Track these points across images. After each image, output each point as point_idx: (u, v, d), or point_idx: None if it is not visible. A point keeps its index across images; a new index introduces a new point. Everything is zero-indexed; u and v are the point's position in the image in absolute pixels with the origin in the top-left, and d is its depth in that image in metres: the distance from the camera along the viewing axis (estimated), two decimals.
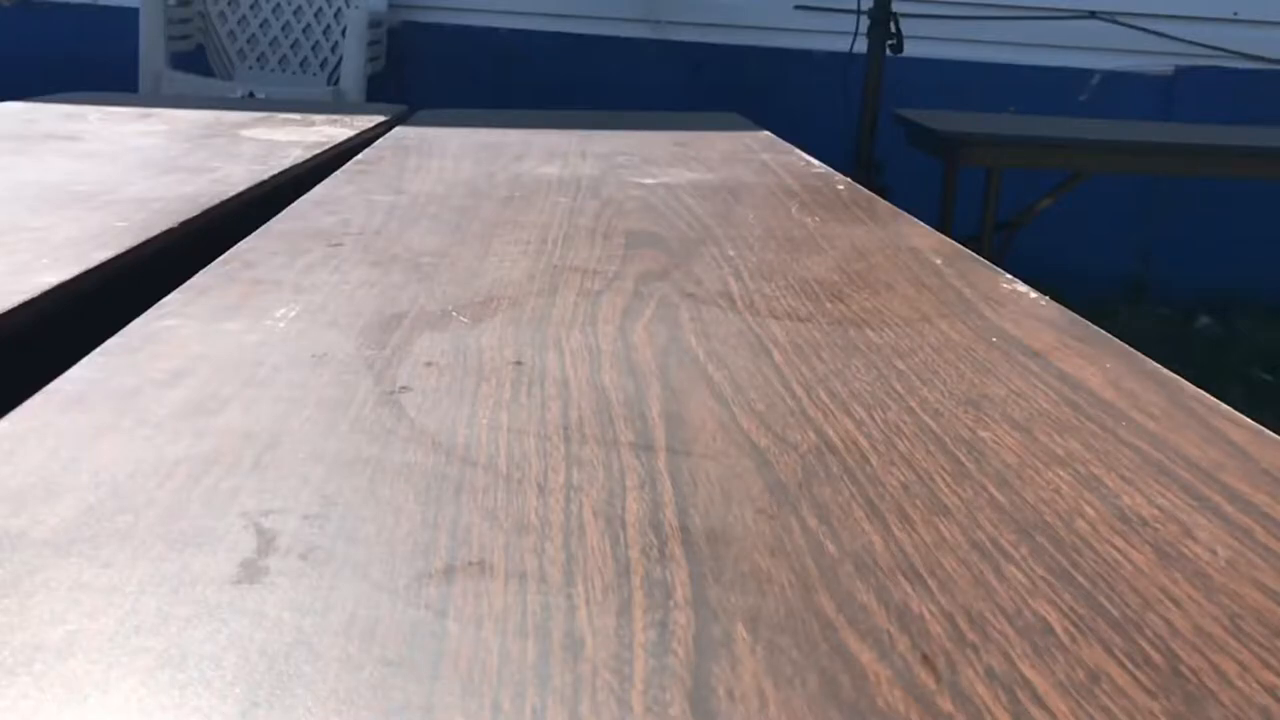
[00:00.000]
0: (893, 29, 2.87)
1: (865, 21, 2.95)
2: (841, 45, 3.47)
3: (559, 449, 0.43)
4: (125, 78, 3.17)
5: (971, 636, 0.31)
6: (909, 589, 0.34)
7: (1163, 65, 3.61)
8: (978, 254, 0.80)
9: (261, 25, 3.46)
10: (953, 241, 0.84)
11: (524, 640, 0.30)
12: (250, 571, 0.33)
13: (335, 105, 1.84)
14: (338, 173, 1.10)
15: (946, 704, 0.28)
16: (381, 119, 1.57)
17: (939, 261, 0.78)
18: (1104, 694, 0.29)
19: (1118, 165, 2.77)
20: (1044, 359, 0.56)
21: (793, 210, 0.97)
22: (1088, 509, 0.40)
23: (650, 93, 3.58)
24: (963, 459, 0.44)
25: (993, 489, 0.41)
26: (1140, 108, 3.59)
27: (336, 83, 3.33)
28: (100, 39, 3.54)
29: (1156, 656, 0.31)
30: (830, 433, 0.46)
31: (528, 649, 0.30)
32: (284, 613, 0.31)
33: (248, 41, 3.47)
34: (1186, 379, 0.54)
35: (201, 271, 0.69)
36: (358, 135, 1.39)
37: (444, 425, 0.45)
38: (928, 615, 0.32)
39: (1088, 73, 3.62)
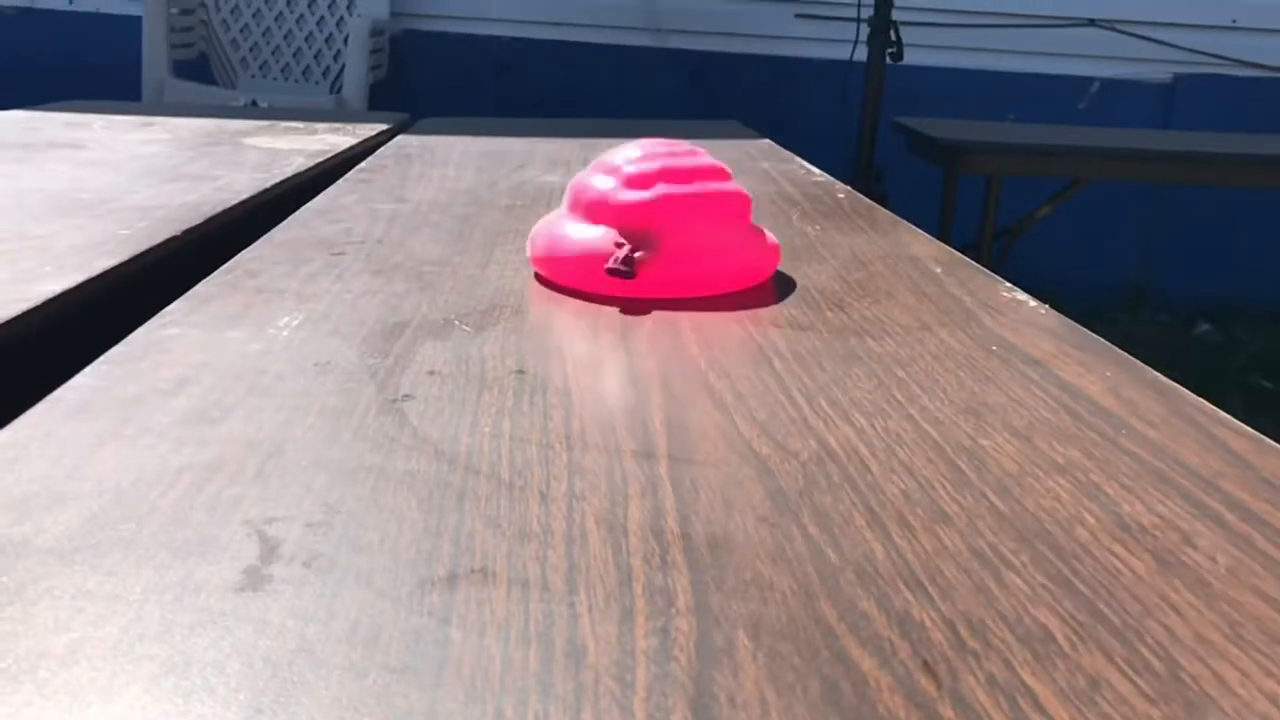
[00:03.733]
0: (892, 37, 2.87)
1: (865, 29, 2.95)
2: (841, 53, 3.48)
3: (561, 457, 0.44)
4: (128, 85, 3.18)
5: (972, 644, 0.31)
6: (910, 596, 0.34)
7: (1162, 73, 3.62)
8: (977, 262, 0.80)
9: (264, 33, 3.47)
10: (952, 249, 0.84)
11: (526, 647, 0.30)
12: (254, 579, 0.34)
13: (338, 113, 1.84)
14: (340, 181, 1.10)
15: (947, 711, 0.28)
16: (384, 127, 1.58)
17: (939, 270, 0.78)
18: (1104, 701, 0.29)
19: (1117, 173, 2.77)
20: (1044, 367, 0.57)
21: (793, 218, 0.97)
22: (1088, 517, 0.40)
23: (651, 101, 3.59)
24: (963, 467, 0.44)
25: (993, 497, 0.41)
26: (1139, 115, 3.60)
27: (339, 91, 3.34)
28: (103, 47, 3.55)
29: (1157, 664, 0.31)
30: (831, 441, 0.46)
31: (530, 656, 0.30)
32: (287, 620, 0.31)
33: (250, 50, 3.48)
34: (1186, 386, 0.54)
35: (204, 280, 0.69)
36: (360, 143, 1.40)
37: (446, 433, 0.46)
38: (929, 622, 0.32)
39: (1087, 80, 3.63)
